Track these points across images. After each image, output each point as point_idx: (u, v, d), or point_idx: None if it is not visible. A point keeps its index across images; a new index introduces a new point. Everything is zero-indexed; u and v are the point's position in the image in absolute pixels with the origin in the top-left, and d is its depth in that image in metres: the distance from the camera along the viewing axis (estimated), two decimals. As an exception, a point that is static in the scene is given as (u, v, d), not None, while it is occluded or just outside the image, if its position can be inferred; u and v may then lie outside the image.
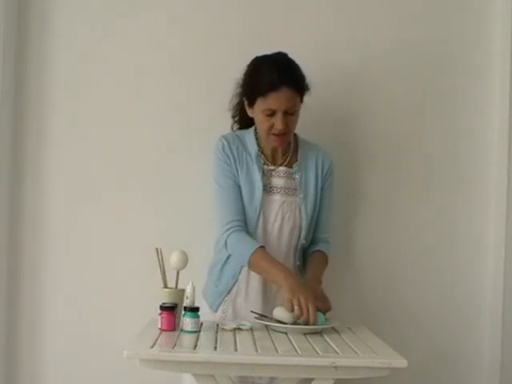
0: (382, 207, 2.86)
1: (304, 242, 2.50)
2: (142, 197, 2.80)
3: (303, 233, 2.48)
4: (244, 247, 2.38)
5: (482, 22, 2.86)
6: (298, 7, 2.83)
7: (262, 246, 2.37)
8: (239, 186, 2.45)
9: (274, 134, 2.41)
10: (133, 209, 2.81)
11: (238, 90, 2.50)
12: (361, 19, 2.85)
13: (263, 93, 2.36)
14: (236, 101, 2.56)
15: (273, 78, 2.35)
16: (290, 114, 2.39)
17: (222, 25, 2.80)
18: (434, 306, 2.85)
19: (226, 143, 2.47)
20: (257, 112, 2.42)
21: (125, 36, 2.82)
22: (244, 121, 2.56)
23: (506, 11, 2.82)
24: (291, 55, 2.45)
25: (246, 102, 2.46)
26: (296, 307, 2.21)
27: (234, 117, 2.61)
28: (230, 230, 2.40)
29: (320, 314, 2.25)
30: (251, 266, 2.38)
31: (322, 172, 2.54)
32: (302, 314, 2.20)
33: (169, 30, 2.82)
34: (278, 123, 2.37)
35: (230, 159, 2.46)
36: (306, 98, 2.46)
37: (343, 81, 2.83)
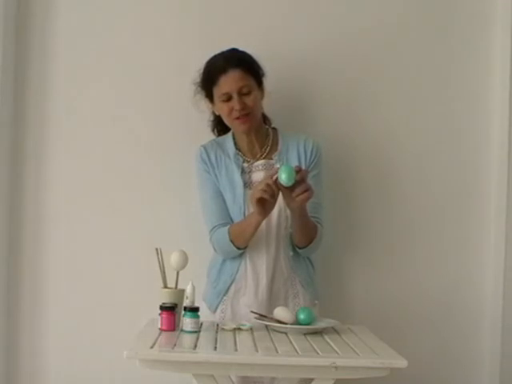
0: (381, 207, 2.86)
1: (291, 230, 2.48)
2: (142, 197, 2.81)
3: (290, 221, 2.46)
4: (221, 236, 2.44)
5: (481, 22, 2.86)
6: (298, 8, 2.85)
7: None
8: (220, 192, 2.50)
9: (236, 119, 2.46)
10: (133, 209, 2.81)
11: (201, 94, 2.56)
12: (358, 19, 2.86)
13: (214, 80, 2.47)
14: (212, 117, 2.64)
15: (219, 64, 2.47)
16: (246, 94, 2.45)
17: (220, 28, 2.80)
18: (434, 307, 2.85)
19: (203, 151, 2.54)
20: (217, 104, 2.50)
21: (125, 36, 2.82)
22: (222, 129, 2.63)
23: (505, 11, 2.82)
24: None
25: (208, 101, 2.54)
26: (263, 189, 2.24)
27: (213, 130, 2.67)
28: (212, 232, 2.48)
29: (310, 311, 2.26)
30: (234, 240, 2.42)
31: (306, 155, 2.53)
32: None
33: (169, 32, 2.82)
34: (236, 104, 2.44)
35: (208, 167, 2.52)
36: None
37: (343, 77, 2.85)
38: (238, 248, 2.43)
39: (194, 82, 2.56)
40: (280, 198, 2.32)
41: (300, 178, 2.24)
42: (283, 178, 2.21)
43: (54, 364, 2.81)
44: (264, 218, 2.34)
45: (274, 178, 2.25)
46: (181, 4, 2.84)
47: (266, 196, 2.25)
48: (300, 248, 2.48)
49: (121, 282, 2.78)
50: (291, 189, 2.25)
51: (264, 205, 2.29)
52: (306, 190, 2.25)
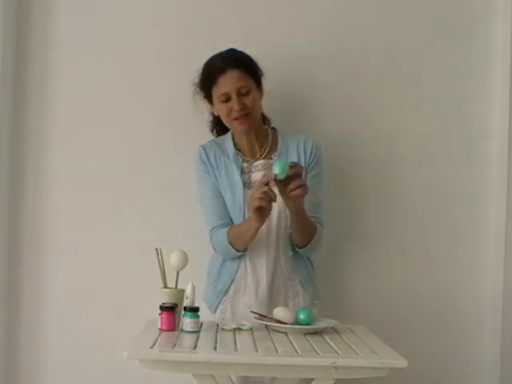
0: (381, 207, 2.86)
1: (291, 230, 2.47)
2: (142, 197, 2.81)
3: (289, 221, 2.45)
4: (221, 238, 2.44)
5: (482, 22, 2.87)
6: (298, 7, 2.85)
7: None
8: (220, 192, 2.50)
9: (235, 119, 2.46)
10: (133, 209, 2.81)
11: (200, 94, 2.56)
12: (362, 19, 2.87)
13: (214, 80, 2.47)
14: (210, 118, 2.64)
15: (218, 64, 2.48)
16: (245, 94, 2.45)
17: (219, 28, 2.80)
18: (434, 307, 2.85)
19: (203, 152, 2.54)
20: (216, 104, 2.50)
21: (125, 36, 2.82)
22: (221, 130, 2.62)
23: (505, 11, 2.82)
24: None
25: (207, 101, 2.54)
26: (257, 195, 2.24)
27: (212, 130, 2.67)
28: (212, 233, 2.48)
29: (310, 311, 2.26)
30: (233, 242, 2.42)
31: (305, 154, 2.52)
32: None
33: (168, 32, 2.82)
34: (234, 104, 2.44)
35: (207, 167, 2.52)
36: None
37: (344, 77, 2.86)
38: (237, 250, 2.43)
39: (193, 83, 2.56)
40: (280, 198, 2.32)
41: (294, 173, 2.23)
42: (276, 171, 2.21)
43: (54, 364, 2.81)
44: (262, 224, 2.34)
45: (266, 179, 2.25)
46: (180, 4, 2.84)
47: (263, 204, 2.25)
48: (299, 248, 2.48)
49: (121, 281, 2.78)
50: (286, 184, 2.25)
51: (262, 212, 2.28)
52: (300, 186, 2.24)
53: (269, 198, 2.24)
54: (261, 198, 2.23)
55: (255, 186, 2.36)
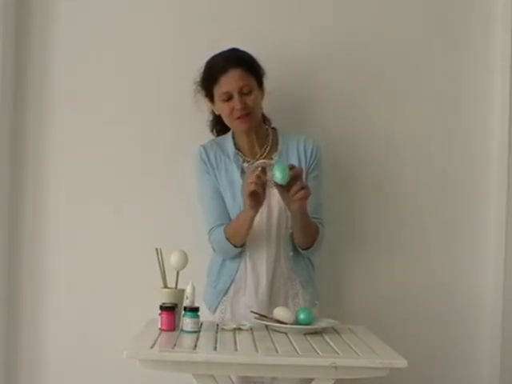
0: (381, 207, 2.86)
1: (292, 230, 2.47)
2: (142, 197, 2.80)
3: (290, 221, 2.45)
4: (218, 235, 2.44)
5: (482, 22, 2.87)
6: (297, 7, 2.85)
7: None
8: (220, 192, 2.50)
9: (237, 118, 2.46)
10: (133, 209, 2.81)
11: (201, 93, 2.56)
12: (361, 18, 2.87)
13: (215, 79, 2.46)
14: (211, 117, 2.63)
15: (220, 63, 2.47)
16: (246, 93, 2.45)
17: (219, 28, 2.80)
18: (434, 307, 2.85)
19: (203, 151, 2.54)
20: (217, 103, 2.50)
21: (125, 36, 2.82)
22: (222, 129, 2.62)
23: (505, 11, 2.82)
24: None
25: (208, 100, 2.54)
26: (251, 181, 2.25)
27: (212, 130, 2.67)
28: (210, 233, 2.48)
29: (310, 311, 2.26)
30: (230, 238, 2.41)
31: (306, 155, 2.52)
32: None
33: (169, 32, 2.82)
34: (236, 103, 2.43)
35: (208, 167, 2.52)
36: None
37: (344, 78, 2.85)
38: (235, 246, 2.43)
39: (194, 81, 2.56)
40: (274, 195, 2.34)
41: (294, 175, 2.23)
42: (278, 176, 2.21)
43: (54, 364, 2.81)
44: (257, 212, 2.33)
45: (260, 165, 2.26)
46: (181, 4, 2.84)
47: (258, 188, 2.25)
48: (302, 249, 2.48)
49: (121, 282, 2.78)
50: (287, 188, 2.25)
51: (256, 199, 2.28)
52: (301, 188, 2.24)
53: (262, 183, 2.24)
54: (255, 183, 2.24)
55: (248, 172, 2.34)
